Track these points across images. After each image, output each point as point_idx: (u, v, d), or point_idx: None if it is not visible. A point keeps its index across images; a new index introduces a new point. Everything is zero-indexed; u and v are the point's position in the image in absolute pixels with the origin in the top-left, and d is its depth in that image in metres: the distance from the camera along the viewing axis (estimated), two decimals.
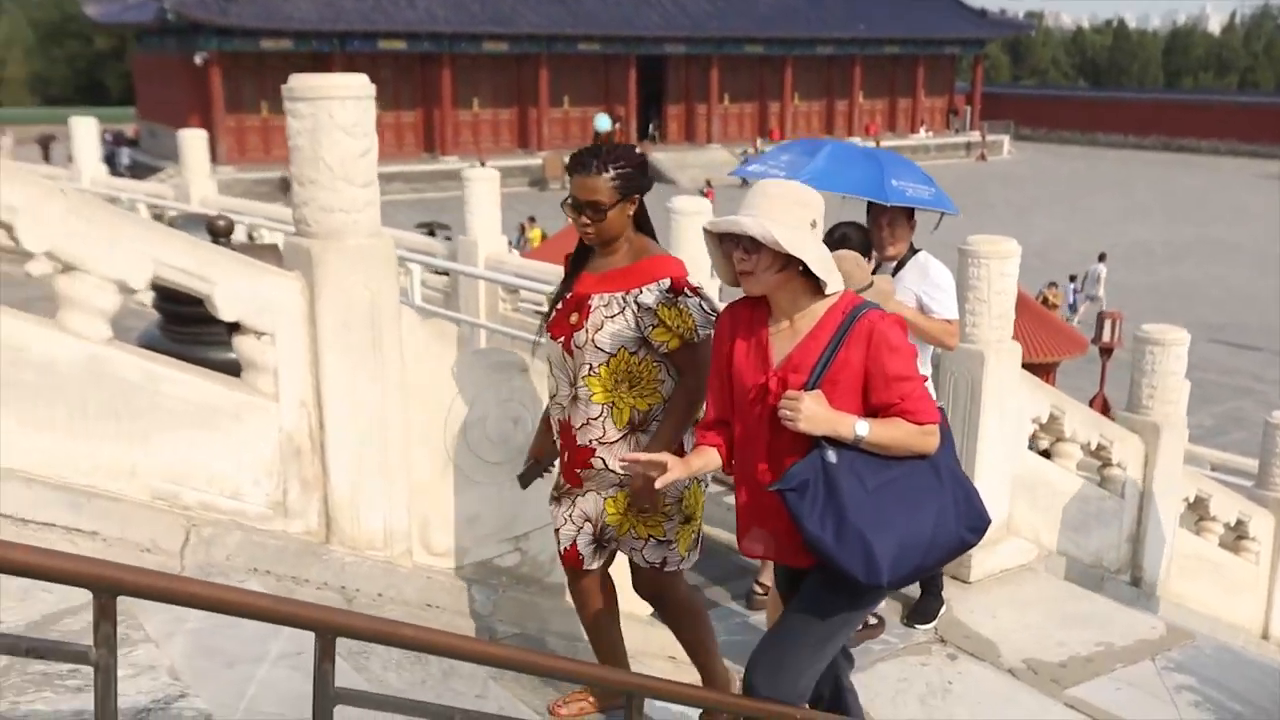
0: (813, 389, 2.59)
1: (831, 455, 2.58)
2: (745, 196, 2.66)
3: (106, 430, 3.29)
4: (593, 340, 3.10)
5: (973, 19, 53.87)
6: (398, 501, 3.82)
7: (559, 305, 3.26)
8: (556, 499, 3.39)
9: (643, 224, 3.21)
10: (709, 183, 36.43)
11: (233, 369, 3.71)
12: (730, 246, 2.66)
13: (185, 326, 5.15)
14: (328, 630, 1.94)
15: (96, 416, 3.27)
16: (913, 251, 4.64)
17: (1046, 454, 5.85)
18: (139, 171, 41.05)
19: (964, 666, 4.54)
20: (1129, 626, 5.01)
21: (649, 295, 3.09)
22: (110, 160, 44.38)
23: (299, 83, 3.46)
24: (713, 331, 2.98)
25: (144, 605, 2.66)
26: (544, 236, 24.85)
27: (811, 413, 2.55)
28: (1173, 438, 6.09)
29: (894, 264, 4.61)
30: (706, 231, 2.71)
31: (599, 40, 44.55)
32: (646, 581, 3.38)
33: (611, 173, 3.05)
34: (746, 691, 2.79)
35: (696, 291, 3.13)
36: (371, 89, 3.52)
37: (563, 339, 3.19)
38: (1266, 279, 26.73)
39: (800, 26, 47.89)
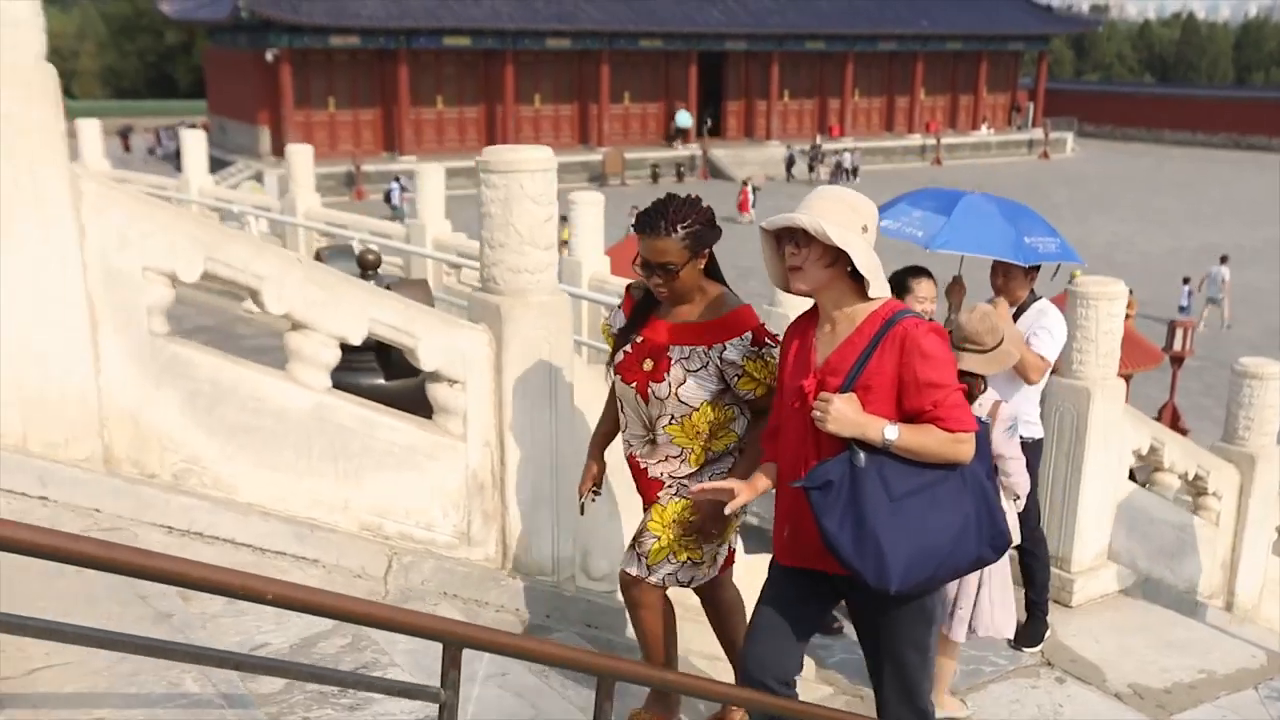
0: (846, 392, 2.67)
1: (860, 458, 2.64)
2: (804, 199, 2.79)
3: (326, 469, 3.72)
4: (676, 394, 3.17)
5: (1038, 14, 53.30)
6: (565, 532, 4.21)
7: (628, 349, 3.30)
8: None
9: (713, 272, 3.26)
10: (745, 183, 36.47)
11: (378, 395, 4.12)
12: (785, 246, 2.77)
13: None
14: (607, 675, 2.32)
15: (319, 457, 3.69)
16: (1034, 297, 4.93)
17: (1131, 474, 6.11)
18: (210, 165, 42.22)
19: (1072, 690, 4.83)
20: (1229, 654, 5.28)
21: (734, 351, 3.16)
22: (179, 154, 45.65)
23: (494, 156, 3.85)
24: None
25: (387, 635, 3.09)
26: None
27: (839, 414, 2.63)
28: (1268, 468, 6.33)
29: (1013, 310, 4.91)
30: (763, 230, 2.80)
31: (660, 37, 44.77)
32: (704, 597, 3.57)
33: (681, 233, 3.08)
34: None
35: (776, 339, 3.19)
36: (554, 162, 3.90)
37: (636, 384, 3.24)
38: None
39: (862, 23, 47.73)
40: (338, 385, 4.01)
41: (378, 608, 2.15)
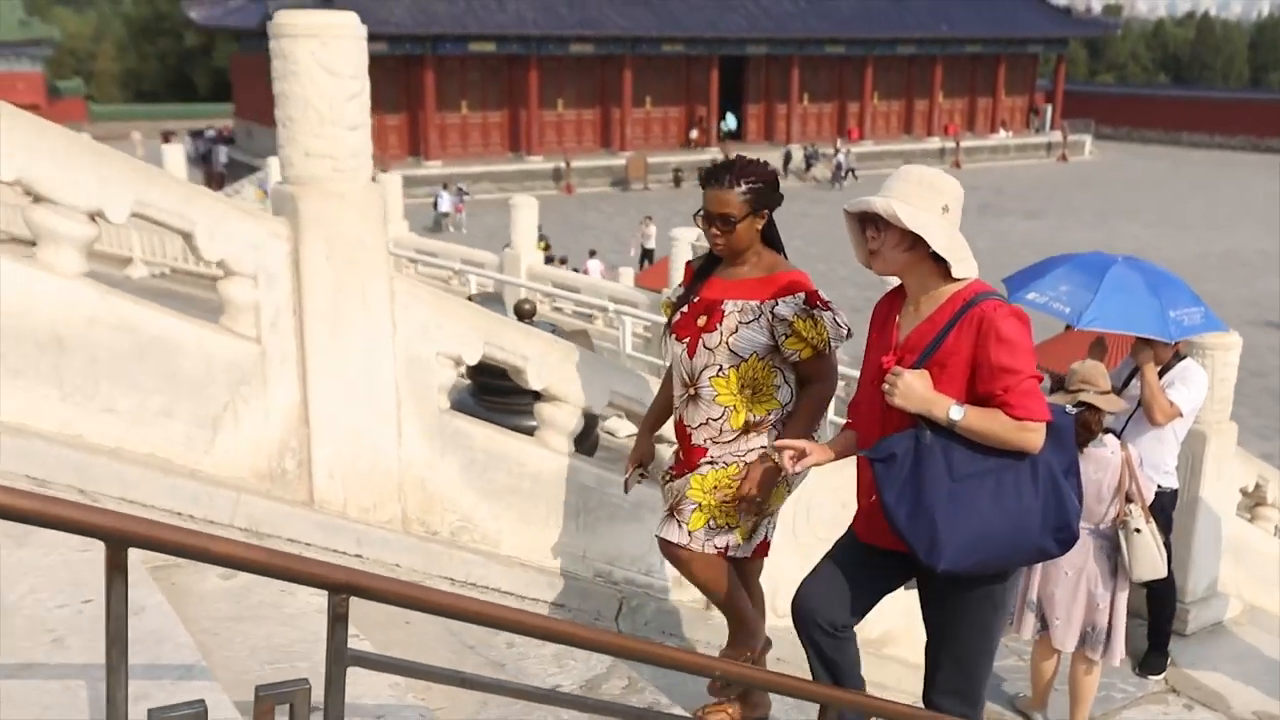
0: (919, 369, 2.68)
1: (927, 435, 2.64)
2: (886, 180, 2.80)
3: (570, 523, 4.19)
4: (727, 343, 3.21)
5: (1057, 17, 53.65)
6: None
7: (684, 309, 3.37)
8: (667, 482, 3.50)
9: (772, 240, 3.34)
10: None
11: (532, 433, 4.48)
12: (866, 230, 2.76)
13: (497, 396, 6.04)
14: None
15: (564, 513, 4.16)
16: (1178, 358, 5.36)
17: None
18: (236, 169, 42.68)
19: (1200, 716, 5.29)
20: None
21: (786, 307, 3.20)
22: (207, 157, 46.16)
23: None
24: (839, 345, 3.27)
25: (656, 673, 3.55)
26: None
27: (908, 389, 2.63)
28: None
29: (1159, 369, 5.33)
30: (846, 213, 2.81)
31: (682, 42, 45.19)
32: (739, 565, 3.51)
33: (743, 187, 3.17)
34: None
35: (828, 305, 3.26)
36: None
37: (688, 339, 3.29)
38: None
39: (882, 27, 48.11)
40: (498, 425, 4.36)
41: (686, 656, 2.61)
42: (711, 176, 3.22)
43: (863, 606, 2.97)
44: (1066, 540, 2.72)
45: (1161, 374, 5.32)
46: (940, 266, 2.70)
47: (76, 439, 3.24)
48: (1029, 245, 31.98)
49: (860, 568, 2.94)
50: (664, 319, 3.51)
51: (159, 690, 2.31)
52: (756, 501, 3.24)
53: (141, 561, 2.94)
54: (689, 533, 3.35)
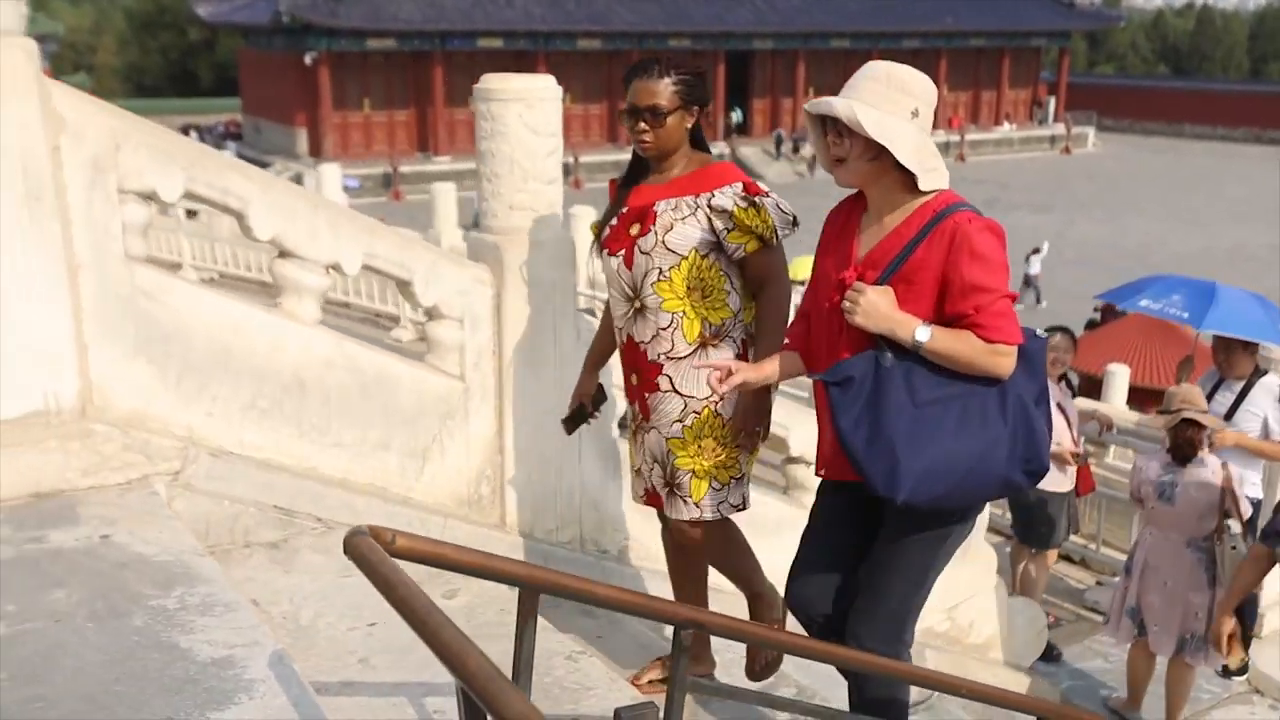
0: (883, 285, 2.47)
1: (888, 357, 2.45)
2: (851, 77, 2.56)
3: None
4: (663, 242, 2.98)
5: (1061, 10, 53.89)
6: None
7: (613, 223, 3.13)
8: (632, 433, 3.29)
9: (700, 144, 3.12)
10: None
11: None
12: (829, 133, 2.52)
13: None
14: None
15: None
16: (1260, 373, 5.69)
17: None
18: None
19: None
20: None
21: (724, 198, 2.98)
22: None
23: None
24: (788, 234, 3.03)
25: None
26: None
27: (870, 306, 2.42)
28: None
29: (1239, 384, 5.66)
30: (807, 113, 2.56)
31: (690, 37, 45.39)
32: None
33: (673, 77, 2.98)
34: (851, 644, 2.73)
35: (769, 194, 3.04)
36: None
37: (624, 251, 3.06)
38: None
39: (888, 20, 48.34)
40: None
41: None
42: (638, 69, 3.01)
43: (850, 578, 2.75)
44: (1035, 473, 2.53)
45: (1244, 391, 5.64)
46: (908, 177, 2.46)
47: (312, 471, 3.54)
48: (1039, 239, 32.35)
49: (839, 531, 2.74)
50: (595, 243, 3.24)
51: None
52: (759, 431, 3.07)
53: None
54: (696, 504, 3.11)
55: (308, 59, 40.14)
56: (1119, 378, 12.01)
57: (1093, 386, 12.31)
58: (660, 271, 2.99)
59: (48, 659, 2.30)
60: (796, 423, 4.59)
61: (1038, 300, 24.99)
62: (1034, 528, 6.47)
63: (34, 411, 3.02)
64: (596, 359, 3.42)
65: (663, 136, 2.99)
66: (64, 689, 2.20)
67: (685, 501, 3.13)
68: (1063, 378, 6.34)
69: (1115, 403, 11.20)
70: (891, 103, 2.44)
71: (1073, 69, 58.74)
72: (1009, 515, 6.87)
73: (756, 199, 2.99)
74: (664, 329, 3.03)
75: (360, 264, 3.53)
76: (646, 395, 3.12)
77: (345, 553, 1.73)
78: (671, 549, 3.42)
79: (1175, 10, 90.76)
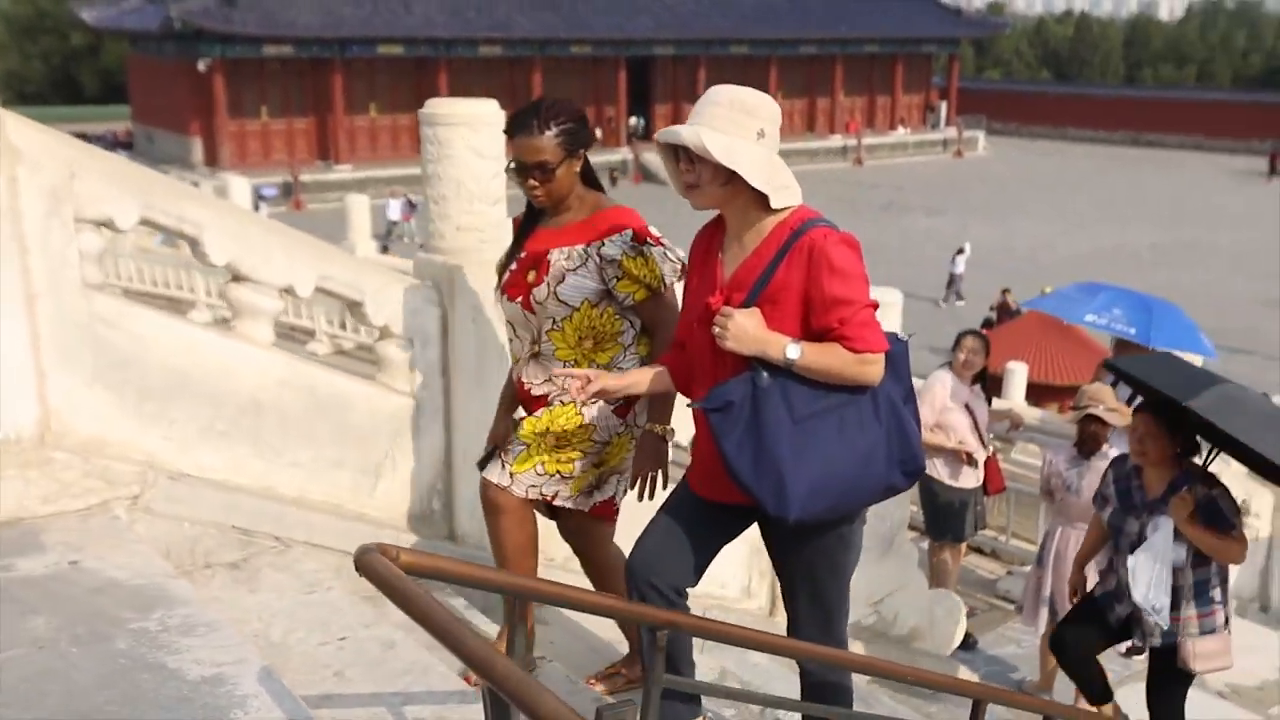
0: (749, 307, 2.51)
1: (763, 378, 2.48)
2: (696, 104, 2.60)
3: None
4: (555, 293, 3.02)
5: (949, 18, 55.59)
6: None
7: (513, 267, 3.16)
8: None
9: (591, 180, 3.14)
10: None
11: None
12: (680, 161, 2.58)
13: None
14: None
15: None
16: None
17: None
18: None
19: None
20: None
21: (612, 247, 3.01)
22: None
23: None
24: (679, 281, 3.01)
25: None
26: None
27: (739, 330, 2.47)
28: None
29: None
30: (658, 145, 2.63)
31: (590, 43, 45.65)
32: (574, 529, 3.34)
33: (554, 129, 2.96)
34: (802, 676, 2.93)
35: (659, 240, 3.08)
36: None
37: (521, 298, 3.09)
38: (1248, 282, 28.50)
39: (784, 27, 49.23)
40: None
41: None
42: (518, 124, 2.99)
43: (703, 564, 2.78)
44: (912, 472, 2.61)
45: None
46: (762, 196, 2.52)
47: (269, 490, 3.60)
48: (934, 241, 33.35)
49: (699, 523, 2.75)
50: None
51: (452, 713, 2.73)
52: (653, 477, 2.98)
53: (353, 590, 3.34)
54: (510, 474, 3.11)
55: (201, 66, 39.23)
56: (1018, 375, 12.57)
57: (992, 384, 12.83)
58: (554, 321, 3.05)
59: (37, 685, 2.34)
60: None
61: (959, 298, 25.73)
62: (945, 523, 6.77)
63: None
64: (511, 401, 3.34)
65: (554, 188, 3.02)
66: (58, 712, 2.26)
67: (503, 466, 3.14)
68: (976, 379, 6.64)
69: (1015, 399, 11.72)
70: (737, 126, 2.49)
71: (961, 74, 60.58)
72: (923, 513, 7.17)
73: (645, 248, 3.03)
74: (557, 376, 3.07)
75: (314, 286, 3.60)
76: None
77: (359, 571, 1.83)
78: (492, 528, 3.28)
79: (1055, 18, 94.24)
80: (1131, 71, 79.65)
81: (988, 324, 20.33)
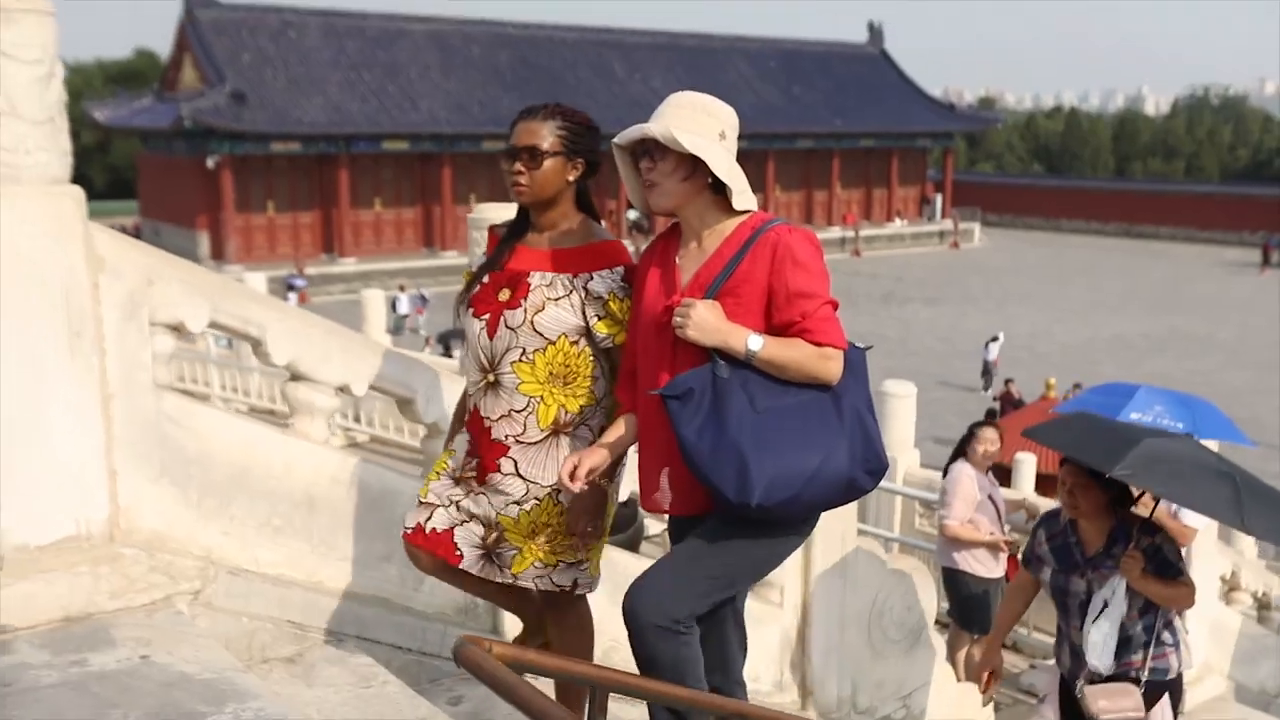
0: (710, 299, 2.52)
1: (723, 369, 2.48)
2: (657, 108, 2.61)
3: None
4: (531, 322, 2.79)
5: (943, 113, 56.92)
6: (845, 675, 5.24)
7: (485, 279, 2.91)
8: (453, 480, 2.97)
9: (587, 206, 2.94)
10: None
11: None
12: (641, 163, 2.60)
13: None
14: None
15: None
16: None
17: None
18: None
19: None
20: None
21: (601, 282, 2.82)
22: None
23: None
24: None
25: None
26: None
27: (701, 319, 2.47)
28: None
29: None
30: (616, 146, 2.62)
31: (604, 138, 46.56)
32: (551, 600, 3.08)
33: (558, 121, 2.81)
34: (625, 617, 2.55)
35: None
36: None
37: (488, 316, 2.84)
38: (1243, 372, 28.70)
39: (780, 122, 50.30)
40: None
41: None
42: (525, 111, 2.86)
43: (703, 597, 2.60)
44: (876, 472, 2.59)
45: None
46: (721, 198, 2.56)
47: (320, 585, 3.67)
48: (933, 332, 33.72)
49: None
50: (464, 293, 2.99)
51: None
52: (590, 533, 2.86)
53: (407, 684, 3.40)
54: (513, 575, 2.94)
55: (210, 162, 40.02)
56: (1026, 466, 12.61)
57: (1001, 474, 12.88)
58: (523, 351, 2.81)
59: None
60: None
61: (987, 386, 25.79)
62: (973, 614, 6.81)
63: (66, 536, 3.13)
64: (463, 416, 3.07)
65: (538, 180, 2.79)
66: None
67: (502, 571, 2.95)
68: (990, 469, 6.76)
69: (1024, 489, 11.77)
70: (700, 124, 2.54)
71: (955, 167, 61.75)
72: (948, 605, 7.20)
73: (632, 290, 2.82)
74: (517, 411, 2.84)
75: (369, 385, 3.73)
76: (486, 472, 2.90)
77: (457, 663, 1.92)
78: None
79: (1045, 113, 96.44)
80: (1121, 165, 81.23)
81: (991, 415, 20.44)
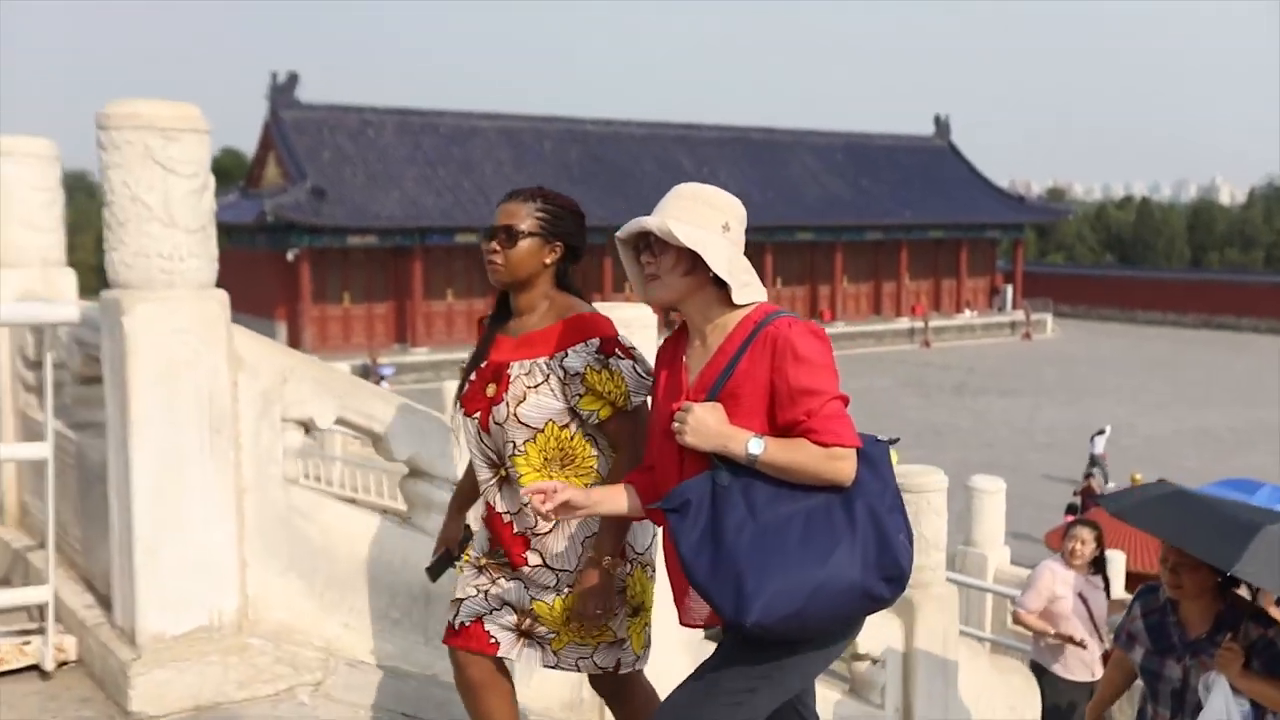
0: (711, 401, 2.40)
1: (724, 476, 2.35)
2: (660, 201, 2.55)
3: None
4: (515, 414, 2.76)
5: (1012, 204, 56.81)
6: None
7: (473, 377, 2.91)
8: (477, 569, 2.93)
9: (567, 285, 2.91)
10: None
11: None
12: (642, 256, 2.52)
13: None
14: None
15: None
16: None
17: None
18: None
19: None
20: None
21: (575, 359, 2.75)
22: None
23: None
24: (648, 398, 2.77)
25: None
26: None
27: (699, 423, 2.35)
28: None
29: None
30: (619, 240, 2.57)
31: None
32: (606, 681, 3.01)
33: (539, 203, 2.83)
34: None
35: (629, 353, 2.80)
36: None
37: (479, 414, 2.83)
38: None
39: (847, 214, 50.57)
40: None
41: None
42: (509, 194, 2.89)
43: None
44: (896, 580, 2.36)
45: None
46: (724, 292, 2.46)
47: (433, 678, 3.72)
48: (1009, 424, 33.17)
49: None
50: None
51: None
52: (599, 615, 2.77)
53: None
54: (555, 653, 2.87)
55: (290, 255, 41.27)
56: (1116, 564, 12.32)
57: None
58: (514, 445, 2.79)
59: None
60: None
61: (1105, 480, 25.16)
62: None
63: (199, 626, 3.23)
64: (462, 502, 3.14)
65: (513, 261, 2.79)
66: None
67: (544, 651, 2.87)
68: (1095, 568, 6.61)
69: (1115, 589, 11.46)
70: (701, 217, 2.46)
71: (1025, 258, 61.34)
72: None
73: (611, 360, 2.77)
74: (525, 503, 2.79)
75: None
76: (516, 566, 2.86)
77: None
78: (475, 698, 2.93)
79: (1115, 203, 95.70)
80: (1197, 255, 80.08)
81: (1072, 509, 19.99)
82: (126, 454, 3.09)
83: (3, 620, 3.78)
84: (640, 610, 2.90)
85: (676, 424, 2.37)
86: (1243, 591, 3.83)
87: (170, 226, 3.06)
